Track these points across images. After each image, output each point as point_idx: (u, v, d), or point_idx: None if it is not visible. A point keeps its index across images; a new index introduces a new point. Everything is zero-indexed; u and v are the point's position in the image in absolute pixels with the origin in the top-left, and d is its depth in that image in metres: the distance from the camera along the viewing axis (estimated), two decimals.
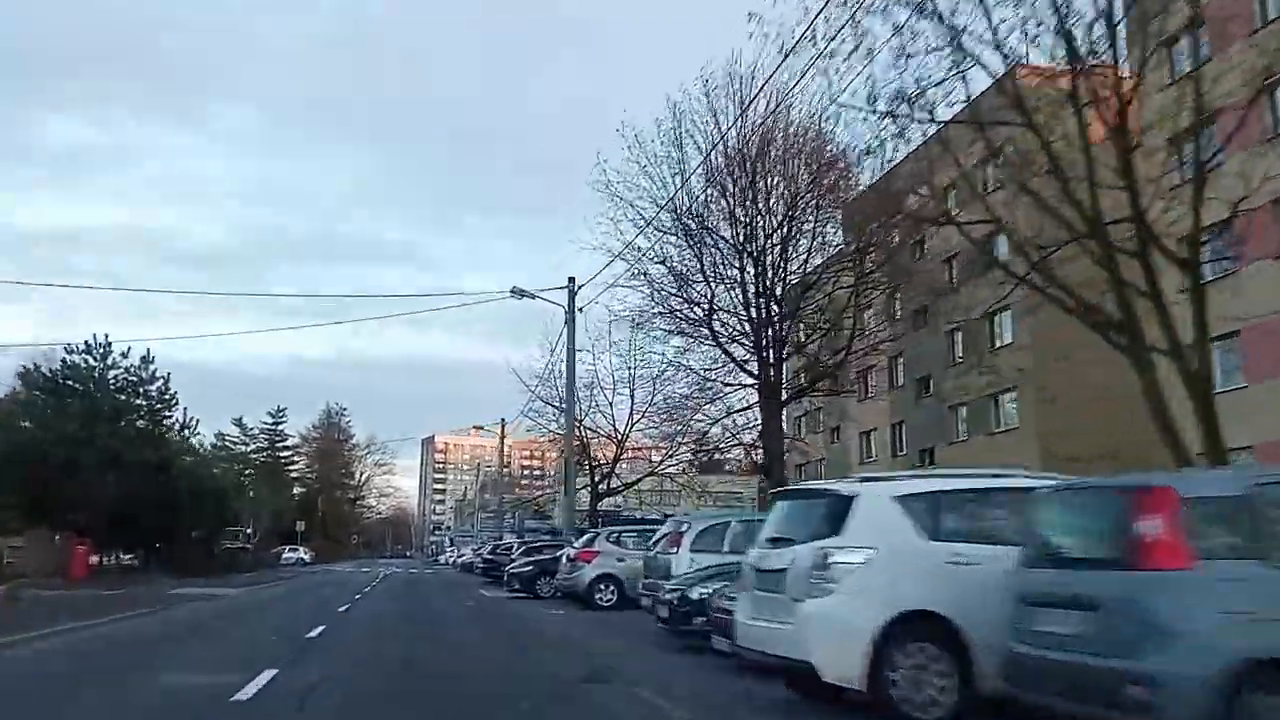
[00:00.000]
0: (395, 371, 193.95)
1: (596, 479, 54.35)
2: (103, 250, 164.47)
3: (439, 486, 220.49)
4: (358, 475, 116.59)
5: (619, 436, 53.51)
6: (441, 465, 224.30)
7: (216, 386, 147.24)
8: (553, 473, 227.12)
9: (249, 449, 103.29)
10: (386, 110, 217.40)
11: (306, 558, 75.00)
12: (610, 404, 52.15)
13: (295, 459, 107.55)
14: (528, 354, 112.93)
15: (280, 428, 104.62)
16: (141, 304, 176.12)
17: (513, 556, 33.00)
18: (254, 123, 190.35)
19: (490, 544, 46.85)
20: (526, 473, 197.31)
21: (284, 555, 72.72)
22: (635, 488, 57.24)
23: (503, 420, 56.44)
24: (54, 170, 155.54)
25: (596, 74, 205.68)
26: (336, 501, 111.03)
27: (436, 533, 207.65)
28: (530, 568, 26.31)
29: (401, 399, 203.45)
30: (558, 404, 52.83)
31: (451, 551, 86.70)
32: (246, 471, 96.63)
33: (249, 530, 78.80)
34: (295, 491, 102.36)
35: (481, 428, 57.10)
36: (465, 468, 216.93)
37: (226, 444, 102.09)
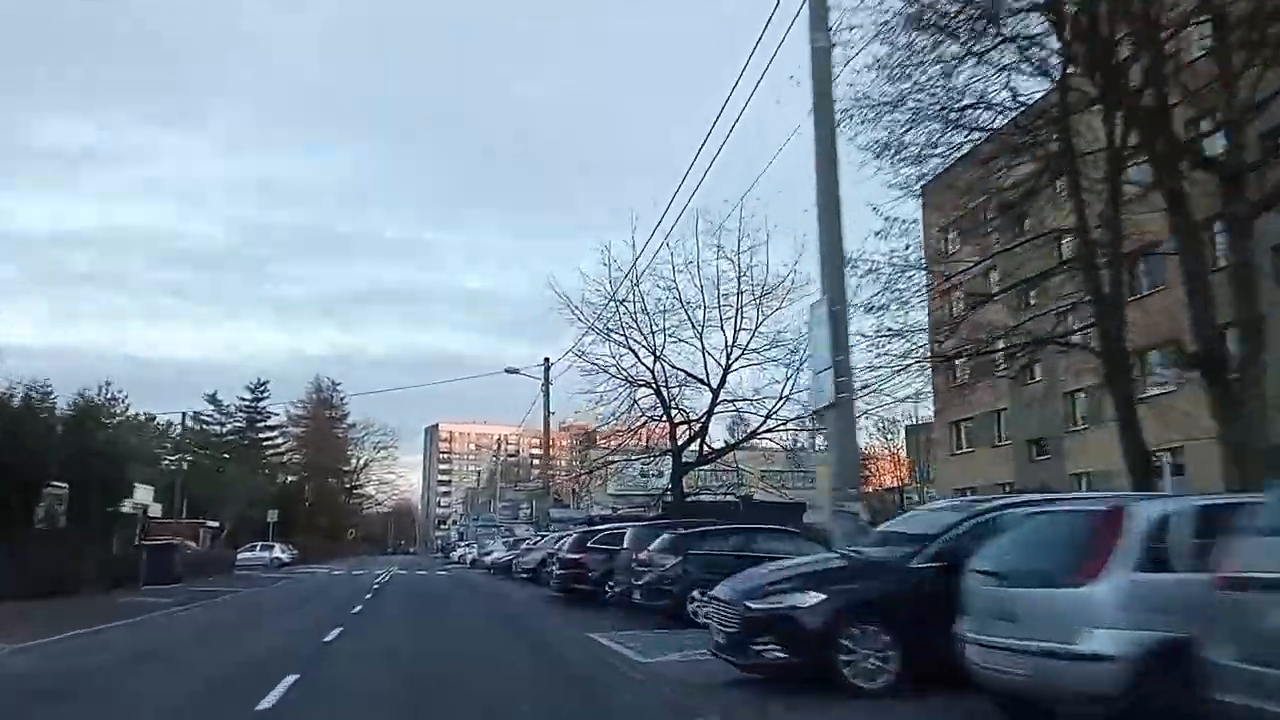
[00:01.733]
0: (396, 368, 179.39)
1: (681, 443, 36.57)
2: (101, 251, 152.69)
3: (444, 478, 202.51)
4: (354, 461, 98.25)
5: (725, 361, 35.79)
6: (446, 455, 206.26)
7: (216, 383, 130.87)
8: (565, 461, 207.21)
9: (225, 429, 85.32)
10: (386, 108, 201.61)
11: (284, 557, 56.80)
12: (699, 330, 34.48)
13: (279, 441, 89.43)
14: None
15: (262, 405, 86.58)
16: (144, 303, 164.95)
17: (650, 559, 15.01)
18: (252, 121, 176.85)
19: (567, 532, 29.03)
20: (536, 463, 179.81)
21: (246, 555, 54.55)
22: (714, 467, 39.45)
23: (547, 360, 38.72)
24: (51, 170, 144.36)
25: (597, 71, 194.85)
26: (329, 491, 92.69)
27: (442, 527, 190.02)
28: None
29: (404, 395, 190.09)
30: (626, 327, 34.95)
31: (465, 548, 68.80)
32: (223, 455, 78.90)
33: (215, 523, 60.98)
34: (284, 479, 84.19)
35: (516, 371, 39.07)
36: (471, 458, 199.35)
37: (201, 421, 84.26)
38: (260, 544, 56.65)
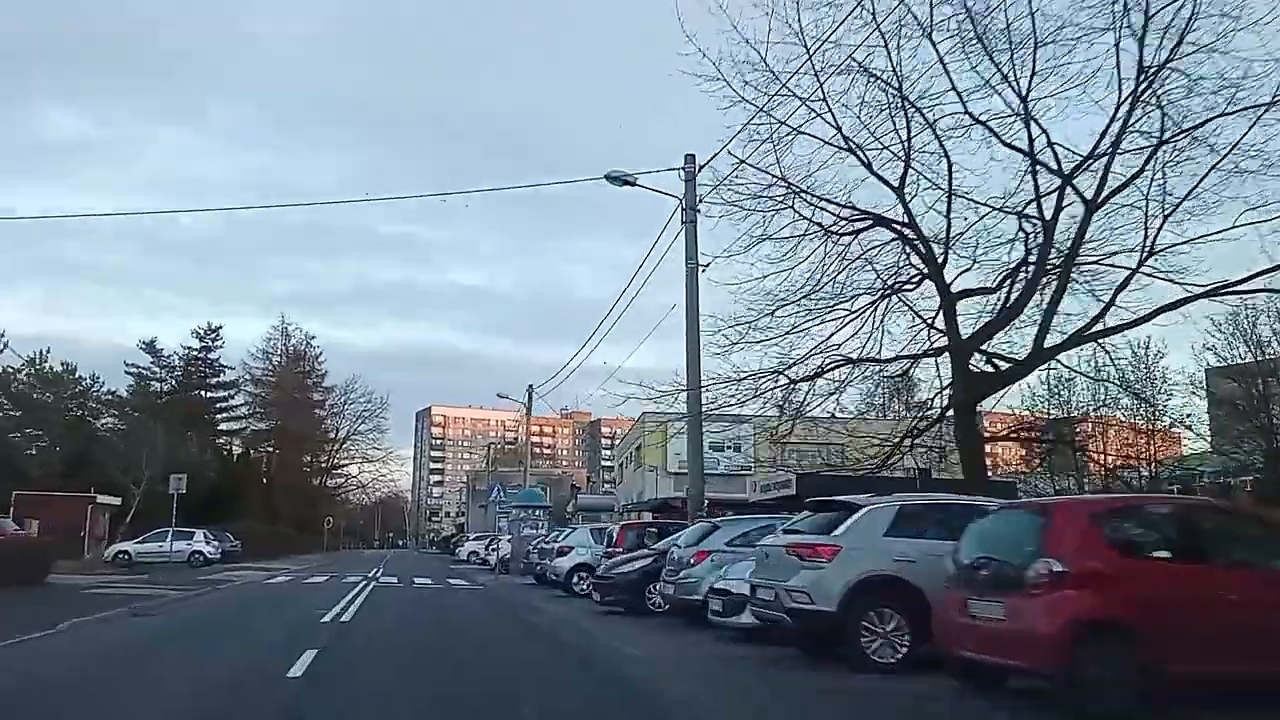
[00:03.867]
0: (387, 361, 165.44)
1: (971, 329, 15.99)
2: (94, 241, 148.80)
3: (436, 467, 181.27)
4: (333, 433, 77.07)
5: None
6: (439, 442, 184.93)
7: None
8: (567, 450, 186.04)
9: (164, 386, 64.16)
10: (382, 104, 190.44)
11: (210, 550, 36.25)
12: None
13: (237, 403, 68.18)
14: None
15: (213, 357, 65.53)
16: (134, 293, 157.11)
17: None
18: (251, 117, 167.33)
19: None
20: (538, 451, 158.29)
21: (148, 547, 34.44)
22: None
23: (691, 160, 17.90)
24: (48, 161, 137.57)
25: (592, 67, 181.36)
26: (297, 467, 71.63)
27: (434, 519, 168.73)
28: None
29: (397, 382, 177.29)
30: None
31: (477, 543, 48.57)
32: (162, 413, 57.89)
33: (116, 500, 40.69)
34: (231, 447, 63.11)
35: (629, 180, 18.14)
36: (466, 444, 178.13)
37: (141, 373, 63.31)
38: (174, 531, 35.87)
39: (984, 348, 17.06)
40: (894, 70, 15.65)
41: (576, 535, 20.52)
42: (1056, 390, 24.14)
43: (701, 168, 18.38)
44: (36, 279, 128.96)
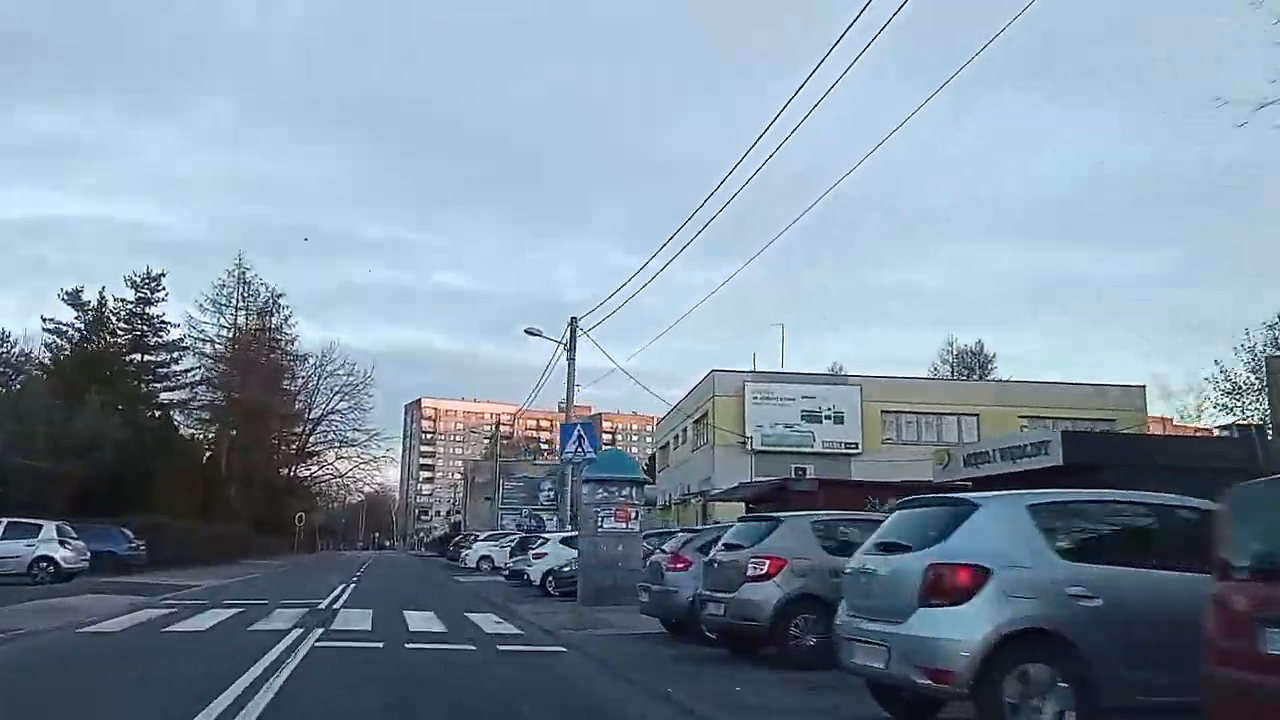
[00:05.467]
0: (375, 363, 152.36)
1: None
2: (79, 242, 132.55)
3: (426, 463, 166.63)
4: (307, 410, 62.44)
5: None
6: (430, 436, 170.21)
7: None
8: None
9: (91, 347, 49.60)
10: (366, 106, 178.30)
11: (66, 556, 21.77)
12: None
13: (178, 365, 53.40)
14: None
15: (153, 312, 51.08)
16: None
17: None
18: (233, 117, 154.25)
19: None
20: (530, 445, 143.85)
21: None
22: None
23: None
24: (31, 161, 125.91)
25: (580, 68, 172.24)
26: (259, 451, 56.97)
27: (424, 517, 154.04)
28: None
29: (384, 382, 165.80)
30: None
31: (491, 545, 34.86)
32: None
33: None
34: (153, 416, 48.39)
35: None
36: (458, 439, 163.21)
37: (60, 329, 49.00)
38: (7, 524, 21.65)
39: None
40: None
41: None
42: None
43: None
44: (19, 279, 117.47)
